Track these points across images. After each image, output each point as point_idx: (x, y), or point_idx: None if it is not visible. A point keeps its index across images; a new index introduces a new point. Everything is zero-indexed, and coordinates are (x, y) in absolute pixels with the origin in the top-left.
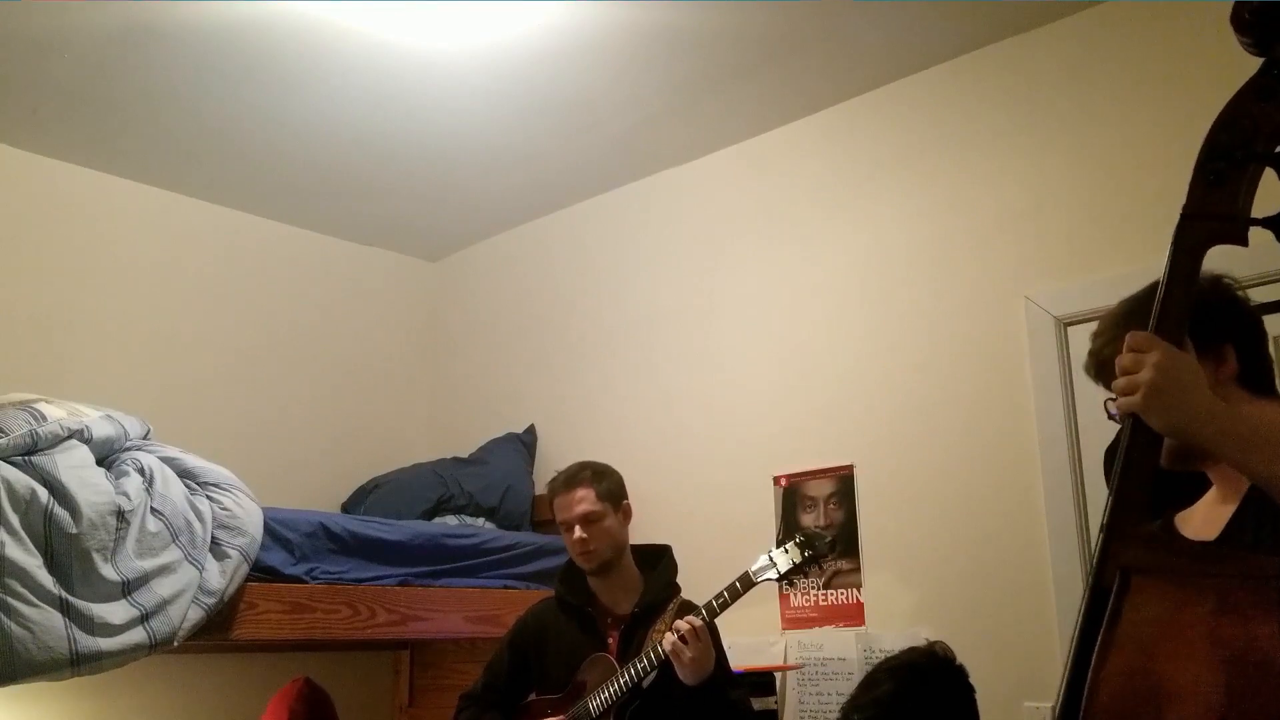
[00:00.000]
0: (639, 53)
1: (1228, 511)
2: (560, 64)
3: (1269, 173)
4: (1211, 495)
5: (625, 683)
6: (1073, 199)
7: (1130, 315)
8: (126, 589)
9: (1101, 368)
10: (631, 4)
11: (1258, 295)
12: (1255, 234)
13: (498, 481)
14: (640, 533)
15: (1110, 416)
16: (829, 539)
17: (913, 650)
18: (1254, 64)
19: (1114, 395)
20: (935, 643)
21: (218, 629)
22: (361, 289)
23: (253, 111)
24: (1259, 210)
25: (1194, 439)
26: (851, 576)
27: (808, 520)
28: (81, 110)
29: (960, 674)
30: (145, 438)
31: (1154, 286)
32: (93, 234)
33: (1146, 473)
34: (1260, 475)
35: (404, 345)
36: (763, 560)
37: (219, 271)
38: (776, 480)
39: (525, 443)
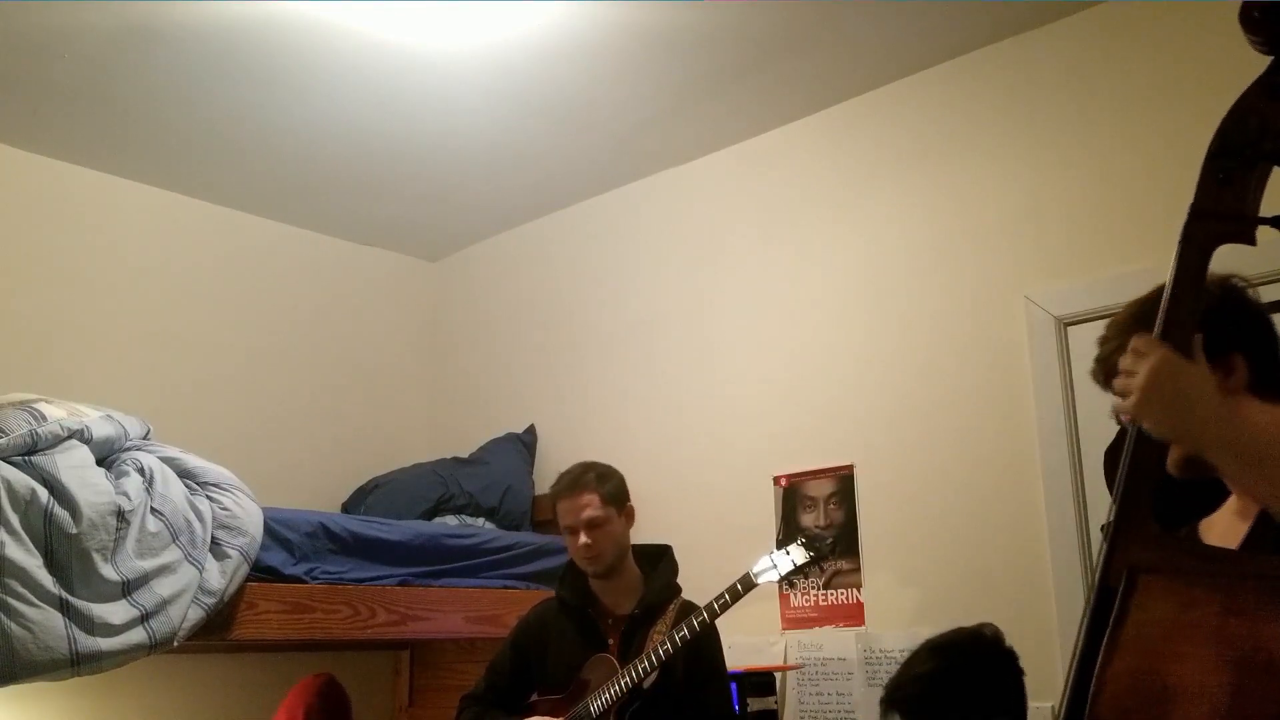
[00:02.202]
0: (639, 53)
1: (1248, 520)
2: (560, 64)
3: (1276, 172)
4: (1232, 502)
5: (626, 684)
6: (1073, 199)
7: (1137, 319)
8: (126, 589)
9: (1110, 374)
10: (631, 4)
11: (1267, 294)
12: (1263, 232)
13: (498, 481)
14: (641, 533)
15: (1119, 422)
16: (830, 541)
17: (959, 630)
18: (1253, 65)
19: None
20: (984, 624)
21: (218, 629)
22: (361, 289)
23: (253, 111)
24: (1266, 209)
25: (1190, 446)
26: (851, 576)
27: (808, 520)
28: (81, 110)
29: (1008, 657)
30: (145, 438)
31: (1162, 289)
32: (93, 234)
33: (1151, 473)
34: (1257, 493)
35: (404, 345)
36: (764, 562)
37: (219, 271)
38: (776, 480)
39: (525, 443)
